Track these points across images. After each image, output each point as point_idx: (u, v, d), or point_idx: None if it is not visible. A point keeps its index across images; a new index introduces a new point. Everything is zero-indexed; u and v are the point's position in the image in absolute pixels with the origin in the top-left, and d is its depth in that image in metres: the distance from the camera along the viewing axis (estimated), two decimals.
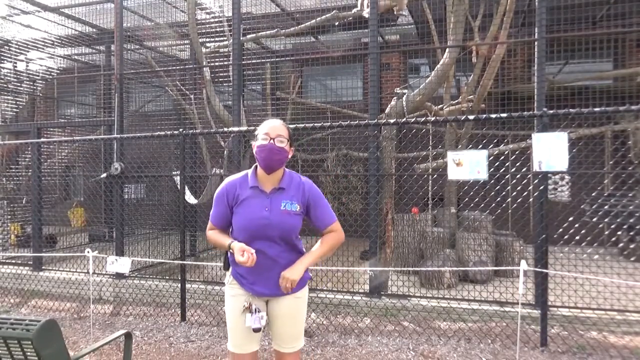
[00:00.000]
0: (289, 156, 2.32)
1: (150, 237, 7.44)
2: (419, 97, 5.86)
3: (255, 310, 2.27)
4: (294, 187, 2.33)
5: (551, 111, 4.23)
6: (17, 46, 9.13)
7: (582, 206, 6.91)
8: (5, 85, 9.48)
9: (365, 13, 5.49)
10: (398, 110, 5.90)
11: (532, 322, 4.47)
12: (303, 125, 5.04)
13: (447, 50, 5.87)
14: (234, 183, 2.36)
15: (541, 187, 4.27)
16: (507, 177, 6.92)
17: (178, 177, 5.61)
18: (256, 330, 2.27)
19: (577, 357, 3.91)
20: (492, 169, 4.68)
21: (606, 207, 6.98)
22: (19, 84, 9.82)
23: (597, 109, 4.09)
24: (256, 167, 2.35)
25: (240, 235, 2.28)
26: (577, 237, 4.87)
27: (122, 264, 4.78)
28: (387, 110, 6.04)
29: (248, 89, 9.85)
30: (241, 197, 2.30)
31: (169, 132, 5.57)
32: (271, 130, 2.26)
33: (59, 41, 9.28)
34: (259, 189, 2.30)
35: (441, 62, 5.86)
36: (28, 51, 9.55)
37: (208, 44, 8.62)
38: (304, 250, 2.41)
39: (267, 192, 2.30)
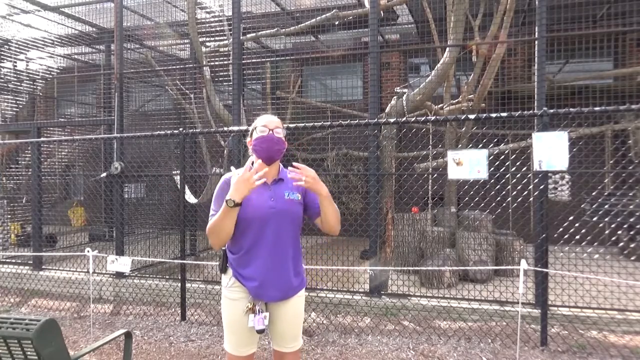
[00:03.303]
0: (285, 148, 2.37)
1: (150, 236, 7.44)
2: (419, 96, 5.86)
3: (259, 310, 2.25)
4: (290, 178, 2.35)
5: (551, 110, 4.23)
6: (17, 45, 9.13)
7: (582, 205, 6.91)
8: (5, 85, 9.48)
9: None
10: (398, 109, 5.89)
11: (532, 322, 4.47)
12: (303, 124, 5.04)
13: (447, 49, 5.87)
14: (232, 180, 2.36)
15: (541, 187, 4.26)
16: (507, 176, 6.92)
17: (178, 177, 5.61)
18: (260, 332, 2.24)
19: (577, 357, 3.91)
20: (492, 169, 4.69)
21: (606, 206, 6.97)
22: (19, 84, 9.81)
23: (597, 108, 4.09)
24: (252, 163, 2.37)
25: (249, 227, 2.25)
26: (577, 237, 4.87)
27: (122, 263, 4.79)
28: (387, 110, 6.04)
29: (248, 89, 9.84)
30: None
31: (169, 132, 5.57)
32: (269, 123, 2.32)
33: (59, 40, 9.27)
34: None
35: (441, 62, 5.86)
36: (28, 50, 9.55)
37: (208, 43, 8.62)
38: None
39: (269, 183, 2.32)
